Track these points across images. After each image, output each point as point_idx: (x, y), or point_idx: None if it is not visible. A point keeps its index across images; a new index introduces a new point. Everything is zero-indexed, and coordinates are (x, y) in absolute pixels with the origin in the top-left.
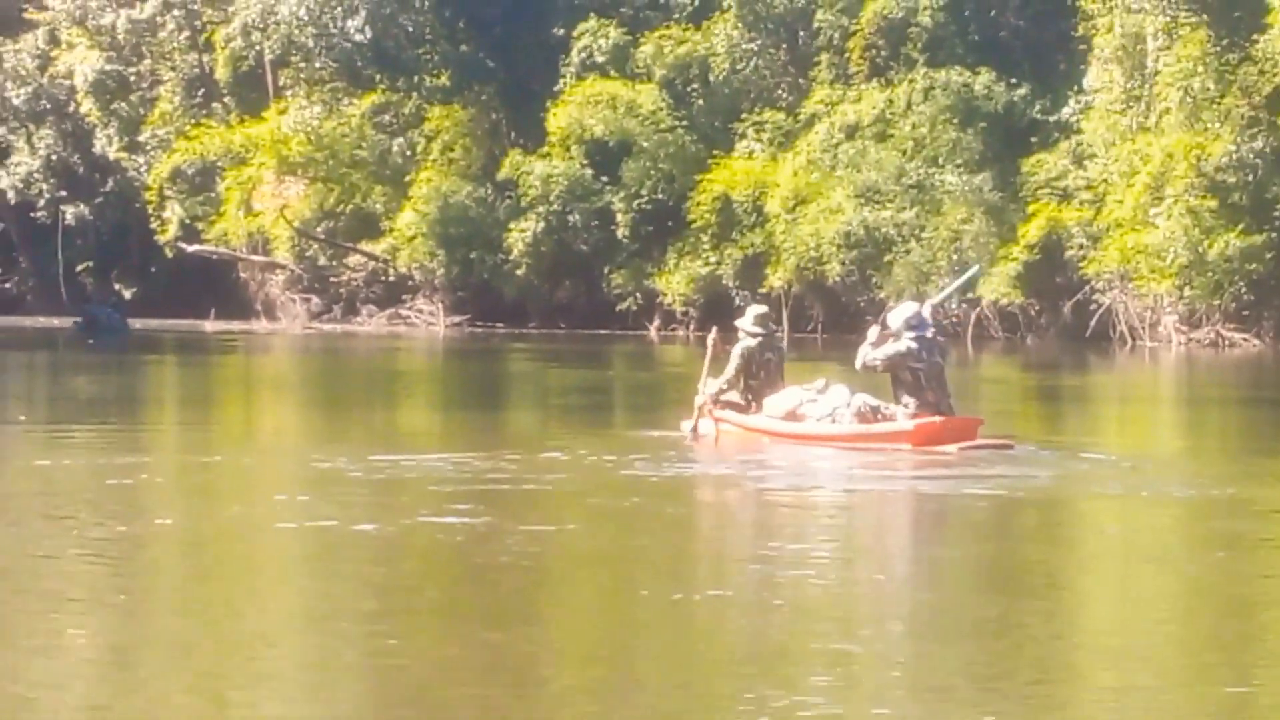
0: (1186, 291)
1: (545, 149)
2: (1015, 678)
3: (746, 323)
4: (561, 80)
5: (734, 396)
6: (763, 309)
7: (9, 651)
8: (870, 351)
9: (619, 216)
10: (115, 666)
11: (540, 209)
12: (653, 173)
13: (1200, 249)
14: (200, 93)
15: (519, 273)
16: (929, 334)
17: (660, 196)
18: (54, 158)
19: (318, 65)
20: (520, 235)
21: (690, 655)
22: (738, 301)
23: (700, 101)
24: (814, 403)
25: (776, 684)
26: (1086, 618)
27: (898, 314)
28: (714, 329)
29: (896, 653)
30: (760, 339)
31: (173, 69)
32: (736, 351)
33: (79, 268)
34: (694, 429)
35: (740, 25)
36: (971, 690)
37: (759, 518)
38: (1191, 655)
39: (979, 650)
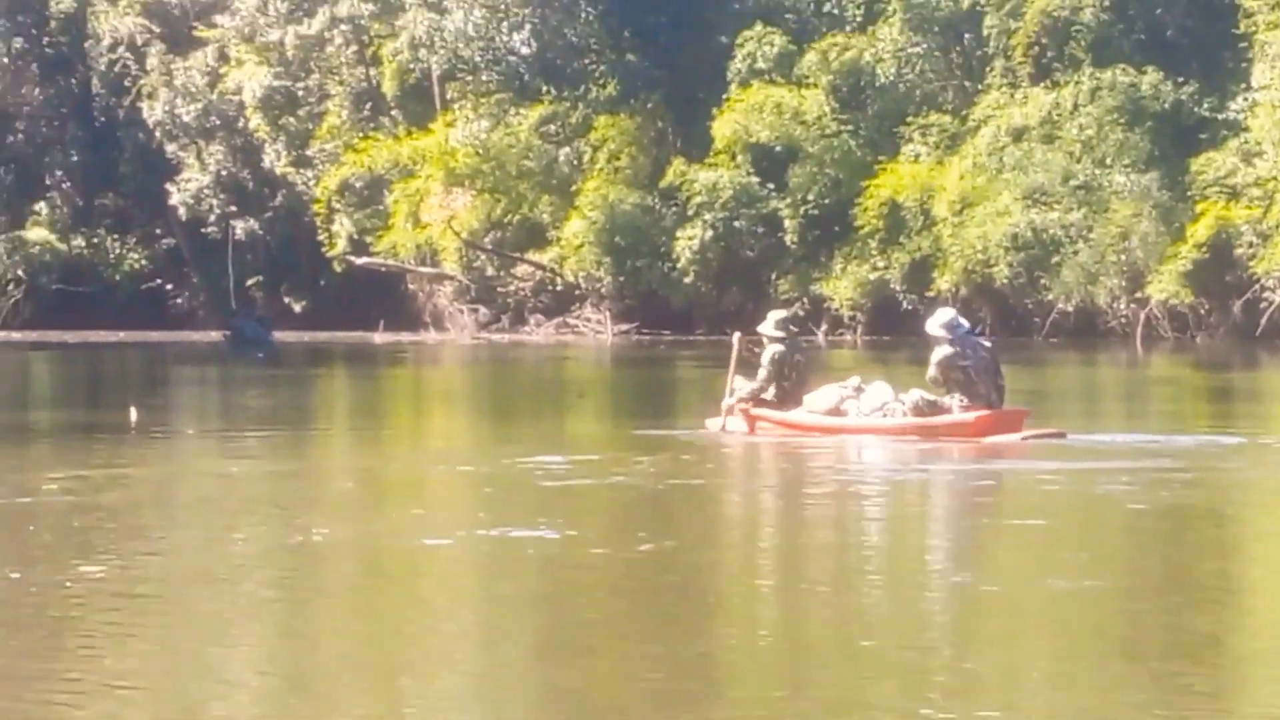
0: None
1: (711, 156)
2: (1201, 695)
3: (768, 328)
4: (727, 88)
5: (767, 397)
6: (783, 313)
7: (176, 665)
8: (930, 370)
9: (786, 222)
10: (284, 683)
11: (707, 216)
12: (819, 178)
13: None
14: (368, 106)
15: (686, 280)
16: (966, 333)
17: (826, 202)
18: (224, 173)
19: (484, 78)
20: (687, 243)
21: (859, 662)
22: (905, 305)
23: (866, 106)
24: (854, 399)
25: (951, 692)
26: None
27: (935, 321)
28: (737, 332)
29: (1082, 670)
30: (786, 343)
31: (340, 83)
32: (768, 356)
33: (249, 282)
34: (723, 428)
35: (906, 29)
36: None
37: (906, 516)
38: None
39: (1169, 667)
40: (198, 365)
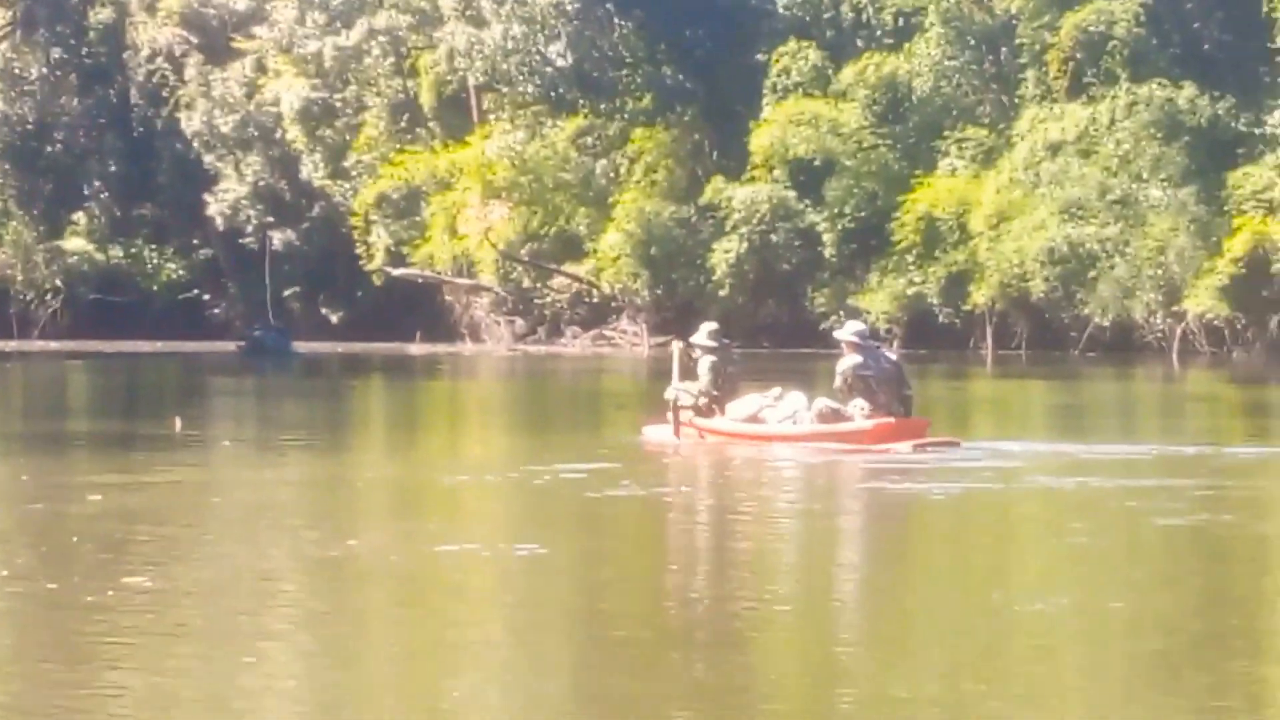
0: None
1: (748, 170)
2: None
3: (701, 338)
4: (763, 101)
5: (690, 403)
6: (714, 325)
7: (212, 675)
8: (835, 379)
9: (823, 236)
10: (318, 692)
11: (743, 230)
12: (855, 191)
13: None
14: (405, 118)
15: (722, 293)
16: (873, 345)
17: (863, 215)
18: (261, 184)
19: (521, 90)
20: (724, 256)
21: (894, 679)
22: (941, 319)
23: (903, 119)
24: (772, 408)
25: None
26: None
27: (844, 331)
28: (675, 340)
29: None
30: (717, 353)
31: (378, 95)
32: (706, 365)
33: (286, 293)
34: (676, 430)
35: (943, 42)
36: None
37: (952, 528)
38: None
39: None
40: (234, 376)
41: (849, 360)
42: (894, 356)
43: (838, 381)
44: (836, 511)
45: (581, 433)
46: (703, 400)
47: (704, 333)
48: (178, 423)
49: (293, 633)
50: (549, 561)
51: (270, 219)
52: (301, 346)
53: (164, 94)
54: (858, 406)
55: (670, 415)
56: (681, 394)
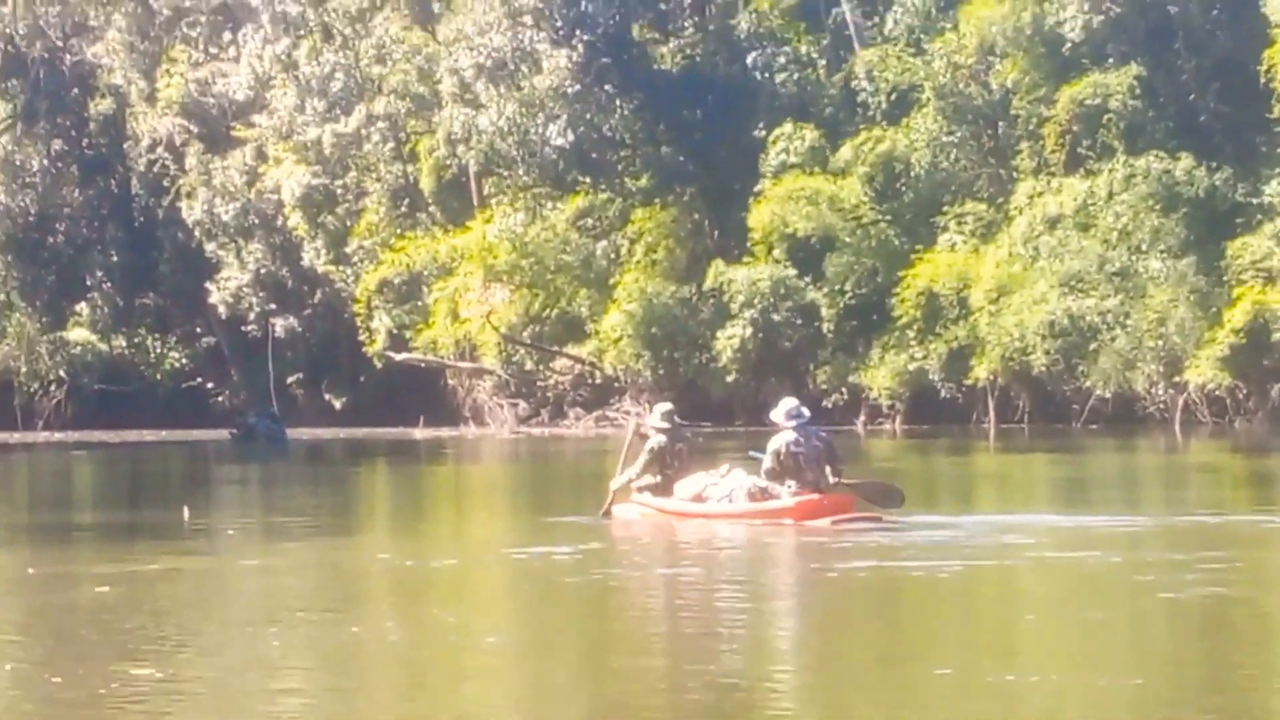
0: None
1: (748, 249)
2: None
3: (655, 419)
4: (761, 180)
5: (648, 482)
6: (668, 406)
7: None
8: (765, 458)
9: (823, 312)
10: None
11: (747, 314)
12: (856, 268)
13: None
14: (405, 203)
15: (729, 378)
16: (806, 422)
17: (864, 291)
18: (263, 271)
19: (521, 172)
20: (728, 341)
21: None
22: (943, 394)
23: (902, 195)
24: (716, 486)
25: None
26: None
27: (779, 410)
28: (636, 418)
29: None
30: (668, 433)
31: (378, 180)
32: (647, 447)
33: (289, 380)
34: (606, 512)
35: (940, 118)
36: None
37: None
38: None
39: None
40: (238, 464)
41: (782, 438)
42: (824, 434)
43: (768, 461)
44: (829, 590)
45: (578, 514)
46: (643, 481)
47: (657, 414)
48: (186, 512)
49: None
50: (532, 646)
51: (272, 306)
52: (304, 433)
53: (165, 183)
54: (787, 487)
55: (612, 499)
56: (622, 482)
